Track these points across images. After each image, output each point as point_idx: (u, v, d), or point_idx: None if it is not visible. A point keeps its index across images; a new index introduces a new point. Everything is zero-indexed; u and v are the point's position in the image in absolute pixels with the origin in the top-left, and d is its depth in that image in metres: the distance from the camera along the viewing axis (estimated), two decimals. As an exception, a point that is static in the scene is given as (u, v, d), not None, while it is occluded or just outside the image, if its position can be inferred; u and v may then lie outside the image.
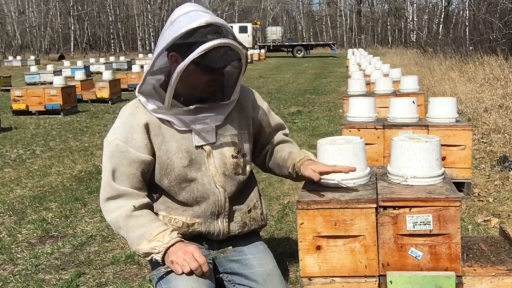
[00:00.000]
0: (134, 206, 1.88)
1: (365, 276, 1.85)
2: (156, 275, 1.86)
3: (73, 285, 2.80)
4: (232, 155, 1.98)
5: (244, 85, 2.07)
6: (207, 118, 1.92)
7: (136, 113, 1.91)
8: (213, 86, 1.89)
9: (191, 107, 1.87)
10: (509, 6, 13.89)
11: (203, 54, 1.72)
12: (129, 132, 1.89)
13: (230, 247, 1.94)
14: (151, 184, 1.99)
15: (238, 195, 2.05)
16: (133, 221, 1.86)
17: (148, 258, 1.86)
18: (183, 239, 1.87)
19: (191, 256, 1.79)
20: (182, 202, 1.97)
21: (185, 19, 1.78)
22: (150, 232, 1.83)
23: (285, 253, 3.03)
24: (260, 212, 2.14)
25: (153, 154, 1.92)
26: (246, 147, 2.04)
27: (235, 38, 1.80)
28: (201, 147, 1.93)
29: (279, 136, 2.19)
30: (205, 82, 1.85)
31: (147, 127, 1.89)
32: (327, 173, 1.90)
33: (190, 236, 1.96)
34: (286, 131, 2.24)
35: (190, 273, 1.78)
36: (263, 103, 2.15)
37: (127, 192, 1.89)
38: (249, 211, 2.08)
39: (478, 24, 16.63)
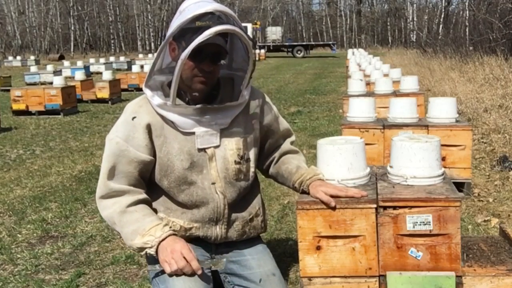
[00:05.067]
0: (128, 202, 1.87)
1: (365, 276, 1.85)
2: (151, 272, 1.87)
3: (73, 285, 2.80)
4: (235, 161, 1.94)
5: (254, 87, 2.03)
6: (212, 121, 1.88)
7: (139, 112, 1.89)
8: (203, 78, 1.82)
9: (197, 106, 1.84)
10: (509, 6, 13.89)
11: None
12: (130, 131, 1.88)
13: (224, 260, 1.92)
14: (151, 183, 1.98)
15: (240, 202, 2.02)
16: (128, 216, 1.86)
17: (143, 253, 1.86)
18: (176, 233, 1.87)
19: (179, 254, 1.78)
20: (181, 204, 1.96)
21: (193, 7, 1.76)
22: (143, 226, 1.83)
23: (285, 253, 3.03)
24: (261, 220, 2.11)
25: (154, 154, 1.90)
26: (251, 152, 2.00)
27: (242, 29, 1.77)
28: (203, 150, 1.90)
29: (286, 145, 2.15)
30: (192, 72, 1.80)
31: (149, 127, 1.87)
32: (338, 197, 1.83)
33: (188, 239, 1.94)
34: (293, 138, 2.20)
35: (179, 271, 1.77)
36: (272, 108, 2.11)
37: (122, 189, 1.88)
38: (251, 219, 2.06)
39: (478, 24, 16.63)
